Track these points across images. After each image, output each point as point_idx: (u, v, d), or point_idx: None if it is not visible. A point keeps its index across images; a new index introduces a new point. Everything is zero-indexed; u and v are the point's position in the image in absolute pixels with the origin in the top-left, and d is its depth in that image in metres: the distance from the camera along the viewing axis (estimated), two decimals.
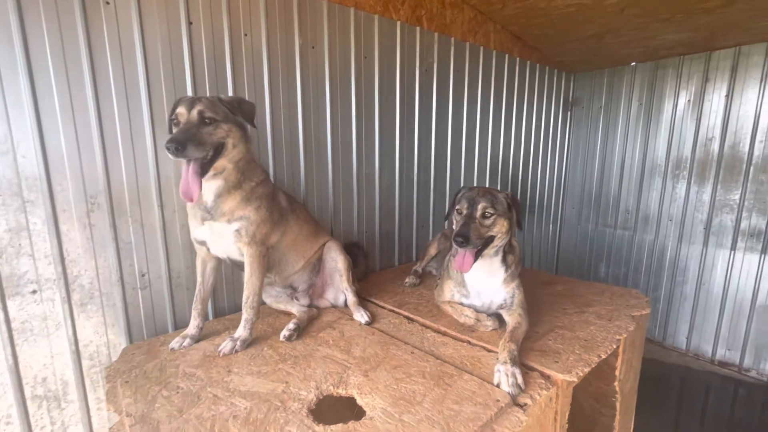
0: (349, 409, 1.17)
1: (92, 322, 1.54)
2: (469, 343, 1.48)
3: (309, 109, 2.04)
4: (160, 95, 1.59)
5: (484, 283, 1.60)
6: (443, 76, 2.66)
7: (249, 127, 1.45)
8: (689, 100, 3.20)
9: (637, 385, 1.93)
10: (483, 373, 1.26)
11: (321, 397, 1.17)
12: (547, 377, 1.26)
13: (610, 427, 1.73)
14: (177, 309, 1.73)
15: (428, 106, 2.61)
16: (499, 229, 1.50)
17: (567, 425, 1.29)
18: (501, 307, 1.59)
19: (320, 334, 1.56)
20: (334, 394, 1.19)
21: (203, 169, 1.30)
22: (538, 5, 2.54)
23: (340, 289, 1.81)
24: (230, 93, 1.75)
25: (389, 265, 2.57)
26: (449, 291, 1.69)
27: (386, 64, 2.33)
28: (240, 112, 1.39)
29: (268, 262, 1.58)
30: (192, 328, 1.52)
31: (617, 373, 1.57)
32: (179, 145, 1.19)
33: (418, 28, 2.44)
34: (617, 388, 1.61)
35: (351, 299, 1.77)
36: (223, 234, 1.44)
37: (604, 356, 1.38)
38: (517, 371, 1.20)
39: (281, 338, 1.49)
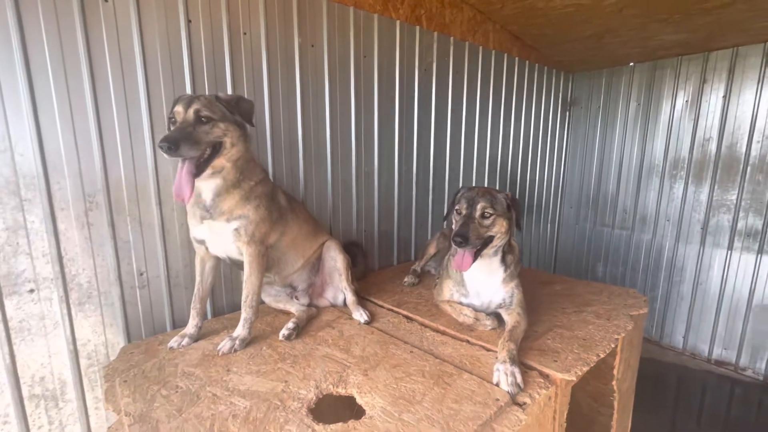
0: (349, 409, 1.17)
1: (90, 321, 1.53)
2: (468, 342, 1.48)
3: (308, 108, 2.03)
4: (159, 93, 1.58)
5: (483, 283, 1.61)
6: (442, 76, 2.66)
7: (248, 125, 1.44)
8: (687, 101, 3.21)
9: (635, 384, 1.94)
10: (482, 372, 1.26)
11: (320, 397, 1.17)
12: (546, 376, 1.26)
13: (608, 426, 1.74)
14: (175, 308, 1.72)
15: (427, 106, 2.62)
16: (499, 229, 1.50)
17: (565, 424, 1.29)
18: (500, 306, 1.60)
19: (319, 333, 1.56)
20: (334, 393, 1.19)
21: (200, 169, 1.29)
22: (536, 5, 2.55)
23: (339, 288, 1.81)
24: (229, 91, 1.75)
25: (388, 265, 2.57)
26: (448, 290, 1.69)
27: (386, 63, 2.33)
28: (238, 111, 1.38)
29: (268, 262, 1.57)
30: (191, 327, 1.51)
31: (615, 372, 1.58)
32: (172, 144, 1.18)
33: (417, 28, 2.44)
34: (615, 387, 1.62)
35: (350, 298, 1.77)
36: (222, 233, 1.44)
37: (602, 355, 1.39)
38: (517, 370, 1.20)
39: (280, 337, 1.49)
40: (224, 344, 1.41)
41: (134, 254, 1.60)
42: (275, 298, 1.77)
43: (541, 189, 3.81)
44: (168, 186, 1.64)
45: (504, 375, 1.19)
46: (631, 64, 3.49)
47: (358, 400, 1.15)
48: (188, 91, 1.64)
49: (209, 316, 1.81)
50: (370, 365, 1.31)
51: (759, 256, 2.97)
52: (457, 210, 1.54)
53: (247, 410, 1.09)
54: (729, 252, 3.10)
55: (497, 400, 1.11)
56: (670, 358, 3.35)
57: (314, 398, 1.15)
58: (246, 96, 1.79)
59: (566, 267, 4.15)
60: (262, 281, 1.56)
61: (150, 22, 1.53)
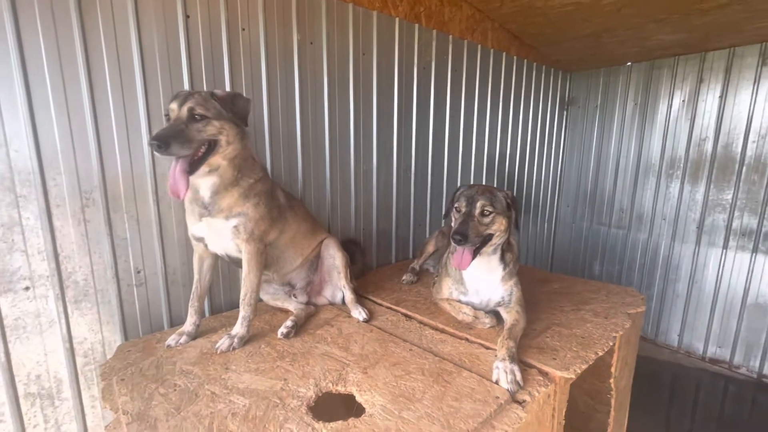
0: (349, 407, 1.16)
1: (87, 319, 1.52)
2: (467, 340, 1.48)
3: (307, 106, 2.02)
4: (157, 89, 1.57)
5: (482, 281, 1.61)
6: (441, 74, 2.65)
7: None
8: (684, 101, 3.23)
9: (632, 382, 1.95)
10: (482, 370, 1.26)
11: (320, 395, 1.16)
12: (545, 374, 1.26)
13: (605, 423, 1.75)
14: (173, 306, 1.71)
15: (426, 103, 2.61)
16: (498, 227, 1.50)
17: (564, 422, 1.30)
18: (499, 304, 1.60)
19: (318, 331, 1.55)
20: (333, 391, 1.19)
21: (193, 166, 1.27)
22: (535, 4, 2.55)
23: (337, 287, 1.81)
24: (228, 88, 1.73)
25: (386, 263, 2.57)
26: (447, 288, 1.69)
27: (384, 60, 2.32)
28: (234, 109, 1.34)
29: (266, 259, 1.57)
30: (188, 325, 1.50)
31: (613, 370, 1.58)
32: (162, 142, 1.16)
33: (416, 25, 2.44)
34: (612, 385, 1.63)
35: (349, 296, 1.76)
36: (221, 230, 1.43)
37: (601, 353, 1.39)
38: (516, 368, 1.21)
39: (279, 335, 1.49)
40: (223, 342, 1.40)
41: (131, 251, 1.59)
42: (273, 296, 1.77)
43: (539, 187, 3.83)
44: (165, 183, 1.62)
45: (503, 373, 1.19)
46: (629, 63, 3.50)
47: (358, 398, 1.15)
48: (186, 86, 1.62)
49: (207, 314, 1.80)
50: (369, 363, 1.31)
51: (753, 255, 2.99)
52: (456, 208, 1.53)
53: (246, 408, 1.08)
54: (724, 251, 3.13)
55: (497, 397, 1.11)
56: (665, 356, 3.38)
57: (314, 396, 1.15)
58: (244, 93, 1.78)
59: (563, 265, 4.17)
60: (261, 279, 1.55)
61: (147, 16, 1.51)
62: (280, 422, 1.03)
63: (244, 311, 1.47)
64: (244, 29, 1.76)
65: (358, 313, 1.67)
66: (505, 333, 1.37)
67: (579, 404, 1.86)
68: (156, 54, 1.55)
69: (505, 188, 3.05)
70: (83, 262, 1.49)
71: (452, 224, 1.57)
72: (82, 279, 1.49)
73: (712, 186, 3.14)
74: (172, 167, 1.25)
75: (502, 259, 1.59)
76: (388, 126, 2.42)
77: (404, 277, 2.14)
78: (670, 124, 3.32)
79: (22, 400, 1.42)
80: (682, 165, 3.29)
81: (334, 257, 1.78)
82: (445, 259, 1.79)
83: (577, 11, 2.57)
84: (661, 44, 3.01)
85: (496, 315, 1.59)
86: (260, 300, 1.73)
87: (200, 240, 1.50)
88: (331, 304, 1.83)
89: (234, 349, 1.40)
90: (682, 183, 3.29)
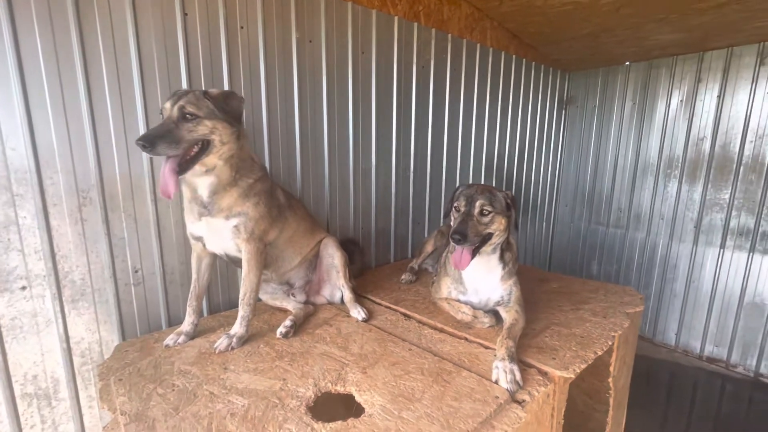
0: (348, 407, 1.16)
1: (84, 318, 1.51)
2: (466, 339, 1.48)
3: (306, 104, 2.01)
4: (154, 87, 1.55)
5: (481, 280, 1.61)
6: (440, 73, 2.65)
7: (244, 122, 1.42)
8: (682, 100, 3.24)
9: (629, 381, 1.95)
10: (481, 370, 1.26)
11: (319, 395, 1.16)
12: (544, 374, 1.26)
13: (603, 422, 1.75)
14: (171, 305, 1.70)
15: (425, 103, 2.61)
16: (497, 227, 1.50)
17: (563, 421, 1.30)
18: (498, 304, 1.60)
19: (317, 330, 1.55)
20: (333, 391, 1.19)
21: (183, 167, 1.25)
22: (535, 3, 2.55)
23: (336, 286, 1.80)
24: (226, 87, 1.72)
25: (385, 262, 2.57)
26: (446, 288, 1.69)
27: (383, 59, 2.32)
28: (226, 109, 1.31)
29: (266, 259, 1.56)
30: (187, 325, 1.49)
31: (611, 369, 1.59)
32: (148, 142, 1.15)
33: (415, 24, 2.43)
34: (611, 384, 1.63)
35: (347, 296, 1.76)
36: (220, 230, 1.42)
37: (600, 353, 1.39)
38: (515, 368, 1.21)
39: (278, 335, 1.48)
40: (221, 342, 1.39)
41: (129, 251, 1.58)
42: (272, 296, 1.76)
43: (537, 187, 3.83)
44: None
45: (503, 372, 1.19)
46: (627, 63, 3.51)
47: (357, 398, 1.14)
48: (184, 84, 1.61)
49: (205, 313, 1.79)
50: (368, 363, 1.30)
51: (750, 254, 3.01)
52: (455, 207, 1.53)
53: (245, 408, 1.08)
54: (721, 250, 3.14)
55: (497, 397, 1.11)
56: (663, 355, 3.39)
57: (313, 396, 1.14)
58: (243, 91, 1.77)
59: (561, 265, 4.18)
60: (261, 279, 1.55)
61: (145, 14, 1.50)
62: (279, 422, 1.02)
63: (243, 311, 1.46)
64: (242, 27, 1.75)
65: (357, 313, 1.67)
66: (505, 332, 1.37)
67: (578, 403, 1.86)
68: (154, 52, 1.54)
69: (503, 187, 3.06)
70: (80, 261, 1.48)
71: (451, 224, 1.57)
72: (79, 278, 1.48)
73: (709, 186, 3.15)
74: (162, 167, 1.24)
75: (502, 258, 1.59)
76: (387, 125, 2.42)
77: (403, 277, 2.13)
78: (668, 123, 3.33)
79: (18, 401, 1.41)
80: (680, 164, 3.29)
81: (332, 256, 1.78)
82: (444, 259, 1.79)
83: (575, 11, 2.57)
84: (660, 44, 3.01)
85: (495, 314, 1.58)
86: (259, 299, 1.72)
87: (199, 239, 1.49)
88: (330, 303, 1.82)
89: (233, 348, 1.39)
90: (680, 182, 3.30)
